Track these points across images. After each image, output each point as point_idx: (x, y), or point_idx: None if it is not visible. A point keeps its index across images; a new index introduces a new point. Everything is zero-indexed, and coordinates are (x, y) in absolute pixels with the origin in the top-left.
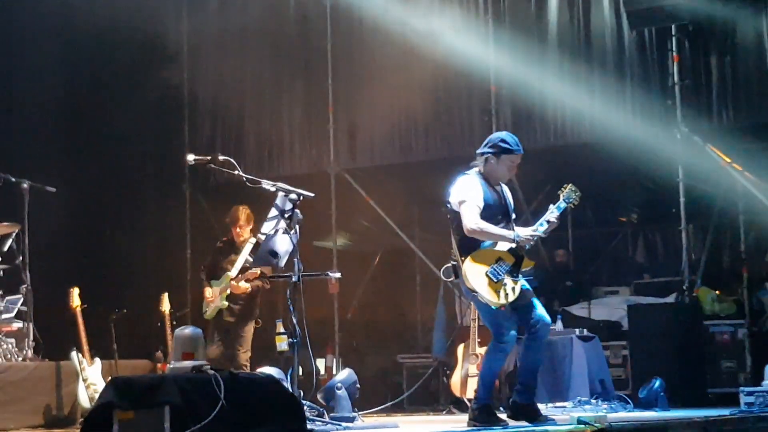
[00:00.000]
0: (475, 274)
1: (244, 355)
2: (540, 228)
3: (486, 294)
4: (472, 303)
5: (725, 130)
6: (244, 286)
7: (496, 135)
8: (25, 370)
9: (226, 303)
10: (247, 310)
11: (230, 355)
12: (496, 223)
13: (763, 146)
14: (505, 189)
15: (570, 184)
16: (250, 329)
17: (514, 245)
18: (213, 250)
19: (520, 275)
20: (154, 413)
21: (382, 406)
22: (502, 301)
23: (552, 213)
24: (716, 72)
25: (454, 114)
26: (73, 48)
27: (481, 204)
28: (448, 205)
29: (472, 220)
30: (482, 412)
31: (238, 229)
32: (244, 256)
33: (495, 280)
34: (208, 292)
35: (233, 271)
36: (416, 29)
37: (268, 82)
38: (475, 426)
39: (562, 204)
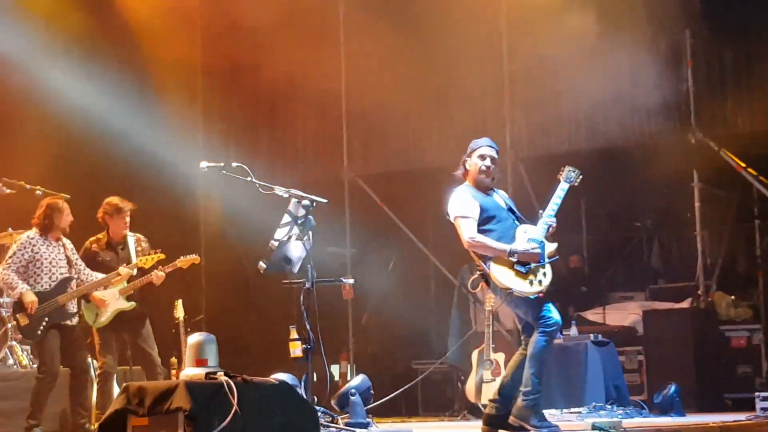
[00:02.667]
0: (502, 273)
1: (157, 354)
2: (546, 230)
3: (519, 287)
4: (486, 309)
5: (740, 135)
6: (161, 274)
7: (472, 144)
8: (31, 377)
9: (132, 303)
10: (147, 306)
11: (149, 358)
12: (501, 225)
13: None
14: (502, 193)
15: (567, 165)
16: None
17: (513, 258)
18: (88, 252)
19: (545, 259)
20: (168, 420)
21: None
22: (536, 288)
23: (558, 196)
24: (731, 77)
25: (467, 119)
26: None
27: (476, 214)
28: (448, 218)
29: (466, 235)
30: (535, 407)
31: (125, 221)
32: (133, 249)
33: (524, 272)
34: (100, 295)
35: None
36: (429, 37)
37: (281, 88)
38: (526, 427)
39: (564, 186)
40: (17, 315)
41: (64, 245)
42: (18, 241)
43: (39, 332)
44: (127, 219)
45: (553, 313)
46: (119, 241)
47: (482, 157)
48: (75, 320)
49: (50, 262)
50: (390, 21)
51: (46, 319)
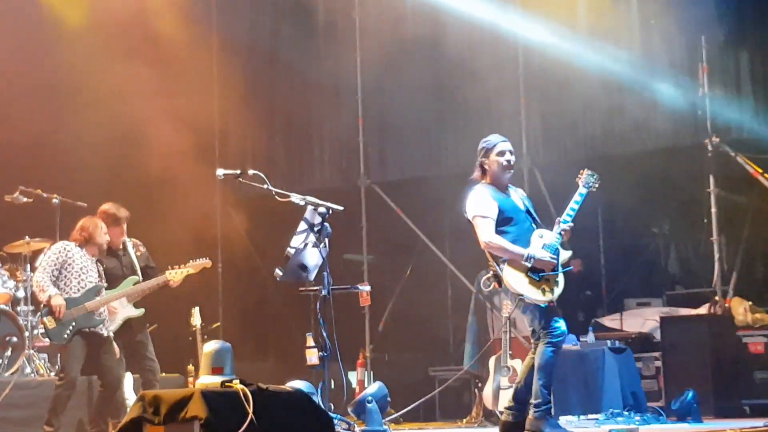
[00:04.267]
0: (516, 278)
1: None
2: (560, 237)
3: (531, 294)
4: (503, 315)
5: (757, 140)
6: (180, 276)
7: (484, 141)
8: (51, 384)
9: (141, 310)
10: (150, 314)
11: (152, 367)
12: (518, 227)
13: None
14: (520, 192)
15: (585, 169)
16: None
17: (529, 264)
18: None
19: (560, 269)
20: (184, 428)
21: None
22: (548, 297)
23: (571, 208)
24: (747, 83)
25: (483, 126)
26: None
27: (495, 214)
28: (466, 217)
29: (484, 235)
30: (546, 415)
31: (122, 228)
32: (133, 253)
33: (537, 279)
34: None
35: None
36: (445, 44)
37: (298, 95)
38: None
39: (583, 191)
40: (45, 318)
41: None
42: (53, 248)
43: (65, 336)
44: (125, 226)
45: (560, 324)
46: (117, 247)
47: (502, 153)
48: (103, 328)
49: (81, 269)
50: (408, 29)
51: (73, 324)
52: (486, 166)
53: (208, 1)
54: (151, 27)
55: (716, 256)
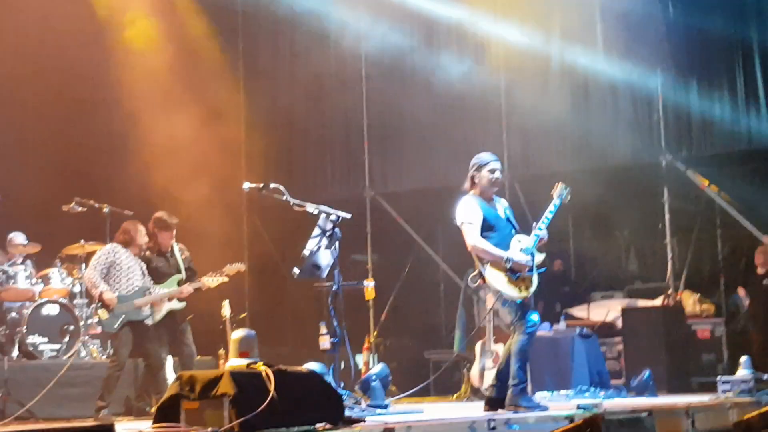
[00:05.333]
0: (496, 277)
1: (194, 348)
2: (536, 241)
3: (509, 291)
4: (487, 307)
5: (703, 157)
6: (216, 283)
7: (476, 158)
8: (104, 366)
9: (183, 303)
10: (190, 308)
11: (189, 352)
12: (499, 233)
13: (737, 171)
14: (503, 202)
15: (560, 183)
16: None
17: (508, 265)
18: (143, 258)
19: (534, 270)
20: (215, 403)
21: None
22: (524, 294)
23: (546, 217)
24: (695, 108)
25: (471, 146)
26: None
27: (480, 222)
28: (456, 223)
29: (471, 240)
30: (523, 392)
31: (171, 233)
32: (179, 256)
33: (515, 278)
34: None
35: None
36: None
37: (312, 119)
38: (517, 410)
39: (557, 201)
40: (99, 310)
41: (168, 258)
42: (103, 249)
43: (116, 326)
44: (174, 231)
45: (534, 317)
46: (167, 251)
47: (492, 171)
48: (149, 320)
49: (128, 269)
50: (406, 65)
51: (123, 316)
52: (476, 180)
53: (235, 31)
54: (189, 57)
55: (669, 256)
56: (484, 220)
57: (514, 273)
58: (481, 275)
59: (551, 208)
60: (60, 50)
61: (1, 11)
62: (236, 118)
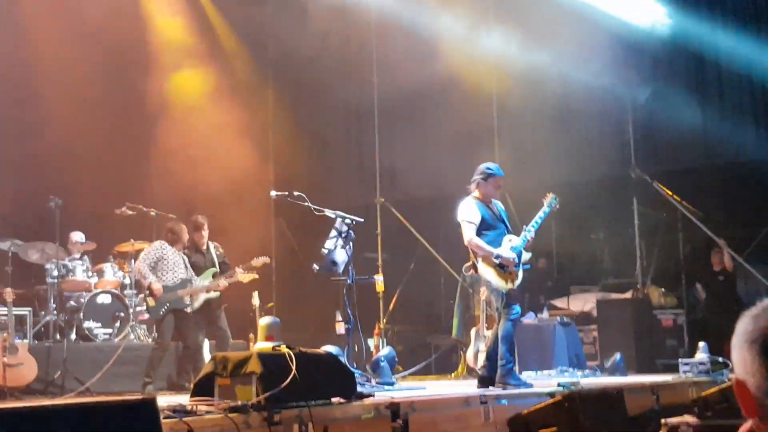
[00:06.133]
0: (487, 270)
1: (229, 332)
2: (524, 242)
3: (497, 283)
4: (481, 298)
5: (668, 171)
6: (249, 278)
7: (483, 165)
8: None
9: (218, 293)
10: (224, 297)
11: (224, 336)
12: (494, 232)
13: (696, 183)
14: (499, 204)
15: (551, 193)
16: None
17: (497, 261)
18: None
19: (520, 266)
20: (245, 380)
21: (413, 370)
22: (509, 286)
23: (535, 221)
24: (661, 128)
25: (466, 160)
26: None
27: (478, 221)
28: (457, 219)
29: (468, 236)
30: (510, 372)
31: (202, 233)
32: (214, 253)
33: (503, 272)
34: (187, 295)
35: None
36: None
37: (331, 136)
38: (505, 387)
39: (546, 209)
40: (147, 298)
41: (205, 254)
42: (152, 245)
43: (161, 313)
44: (205, 231)
45: (517, 306)
46: (202, 248)
47: (498, 186)
48: (189, 308)
49: (173, 263)
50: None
51: (167, 305)
52: (481, 186)
53: (265, 47)
54: (223, 75)
55: (638, 255)
56: (482, 220)
57: (503, 267)
58: (474, 266)
59: (541, 213)
60: (116, 70)
61: (64, 37)
62: (265, 135)
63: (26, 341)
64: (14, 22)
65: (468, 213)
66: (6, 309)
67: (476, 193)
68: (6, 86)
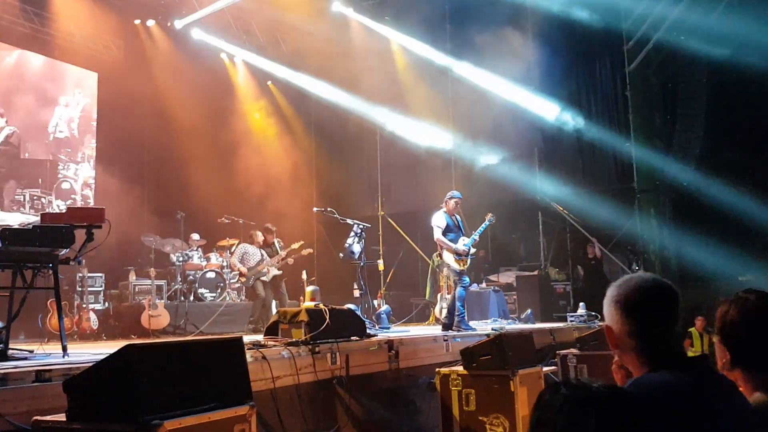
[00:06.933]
0: (449, 257)
1: (287, 296)
2: (472, 241)
3: (454, 265)
4: (444, 274)
5: (560, 196)
6: (308, 250)
7: (449, 192)
8: (240, 305)
9: (281, 271)
10: (284, 273)
11: (284, 298)
12: (454, 235)
13: (578, 201)
14: (459, 216)
15: (490, 213)
16: None
17: (456, 252)
18: (258, 248)
19: (469, 256)
20: (297, 325)
21: (401, 321)
22: (462, 267)
23: (479, 229)
24: (560, 165)
25: (438, 186)
26: None
27: (444, 226)
28: (431, 224)
29: (436, 236)
30: (463, 320)
31: (272, 233)
32: (278, 247)
33: (458, 259)
34: (265, 267)
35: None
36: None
37: (344, 162)
38: (459, 330)
39: (486, 223)
40: (240, 278)
41: (272, 246)
42: (239, 246)
43: (250, 282)
44: (272, 235)
45: (466, 278)
46: (271, 243)
47: (457, 204)
48: (266, 278)
49: (253, 254)
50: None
51: (253, 277)
52: (448, 203)
53: (308, 113)
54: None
55: (541, 248)
56: (447, 226)
57: (459, 255)
58: (440, 255)
59: (482, 226)
60: (216, 116)
61: (182, 94)
62: (310, 169)
63: (163, 301)
64: (153, 87)
65: (438, 221)
66: (150, 281)
67: (444, 208)
68: (152, 132)
